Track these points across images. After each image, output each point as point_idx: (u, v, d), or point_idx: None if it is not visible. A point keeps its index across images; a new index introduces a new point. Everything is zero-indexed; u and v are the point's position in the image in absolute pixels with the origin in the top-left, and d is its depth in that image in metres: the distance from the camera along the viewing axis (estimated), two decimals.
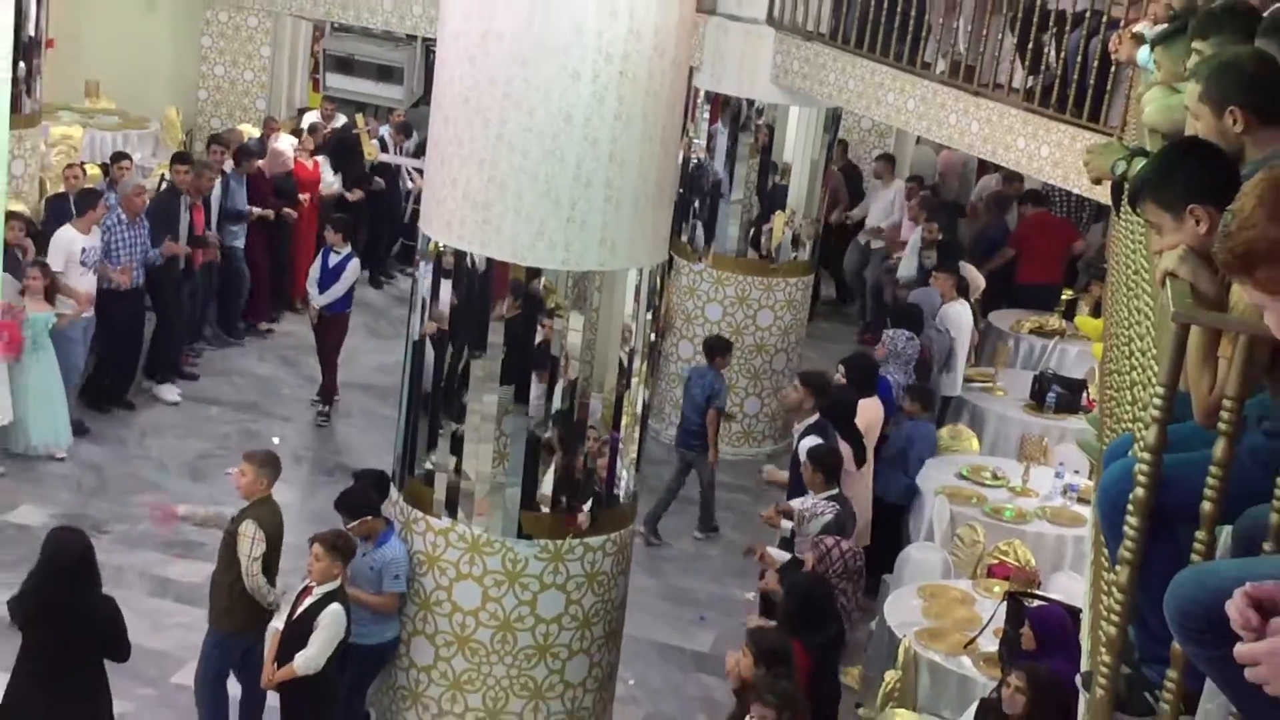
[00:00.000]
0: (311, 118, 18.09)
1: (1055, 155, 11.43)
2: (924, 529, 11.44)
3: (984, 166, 18.10)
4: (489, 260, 8.61)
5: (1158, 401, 3.79)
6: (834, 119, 14.66)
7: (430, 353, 8.95)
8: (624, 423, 9.05)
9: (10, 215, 11.35)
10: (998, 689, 8.38)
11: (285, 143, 16.35)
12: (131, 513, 11.75)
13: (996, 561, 10.42)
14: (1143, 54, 7.32)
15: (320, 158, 16.53)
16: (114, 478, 12.46)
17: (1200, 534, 3.73)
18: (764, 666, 8.05)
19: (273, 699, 8.90)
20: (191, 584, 9.84)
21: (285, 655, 8.60)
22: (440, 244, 8.77)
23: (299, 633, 8.59)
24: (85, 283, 12.67)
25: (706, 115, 14.14)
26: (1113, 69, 10.64)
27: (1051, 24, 11.56)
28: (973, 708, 8.66)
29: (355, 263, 13.94)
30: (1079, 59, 11.14)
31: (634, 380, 9.06)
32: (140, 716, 9.60)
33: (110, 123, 18.21)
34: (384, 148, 17.94)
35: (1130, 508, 3.86)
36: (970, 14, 12.17)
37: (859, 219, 18.10)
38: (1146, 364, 4.69)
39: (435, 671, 9.04)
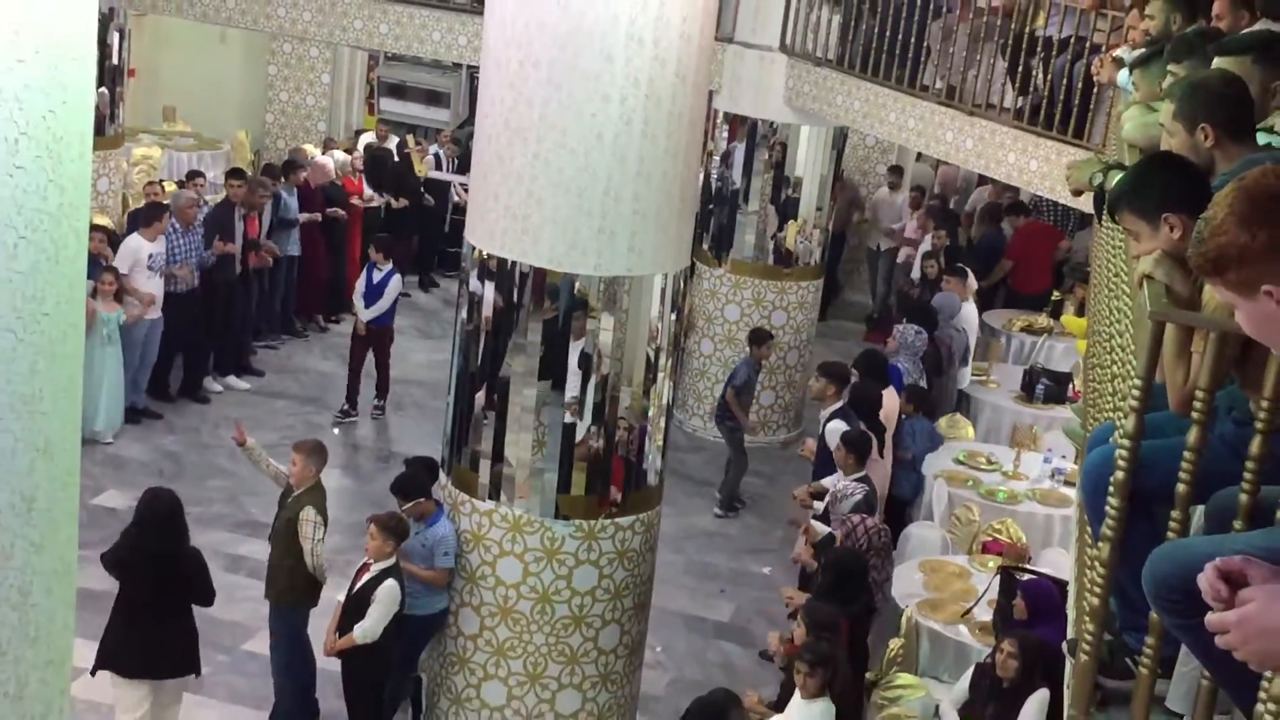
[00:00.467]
0: (367, 138, 18.15)
1: (1043, 169, 11.41)
2: (924, 510, 11.44)
3: (981, 179, 18.07)
4: (528, 267, 8.64)
5: (1136, 392, 3.78)
6: (841, 137, 14.67)
7: (475, 350, 8.98)
8: (651, 413, 9.06)
9: (93, 227, 11.46)
10: (992, 655, 8.37)
11: (327, 159, 16.45)
12: (207, 496, 11.79)
13: (991, 539, 10.41)
14: (1122, 76, 7.30)
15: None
16: (189, 464, 12.53)
17: (1175, 513, 3.72)
18: (814, 636, 8.05)
19: (333, 664, 8.93)
20: (260, 561, 9.85)
21: (345, 626, 8.66)
22: (484, 252, 8.79)
23: (357, 605, 8.64)
24: (151, 285, 12.85)
25: (725, 134, 14.15)
26: (1095, 90, 10.62)
27: (1039, 49, 11.54)
28: (969, 672, 8.65)
29: (397, 278, 13.83)
30: (1064, 81, 11.11)
31: (660, 375, 9.07)
32: (215, 680, 9.65)
33: (186, 144, 18.30)
34: (438, 165, 18.00)
35: (1111, 489, 3.86)
36: (965, 41, 12.14)
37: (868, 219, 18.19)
38: (1126, 359, 4.68)
39: (481, 639, 9.06)
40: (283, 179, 15.08)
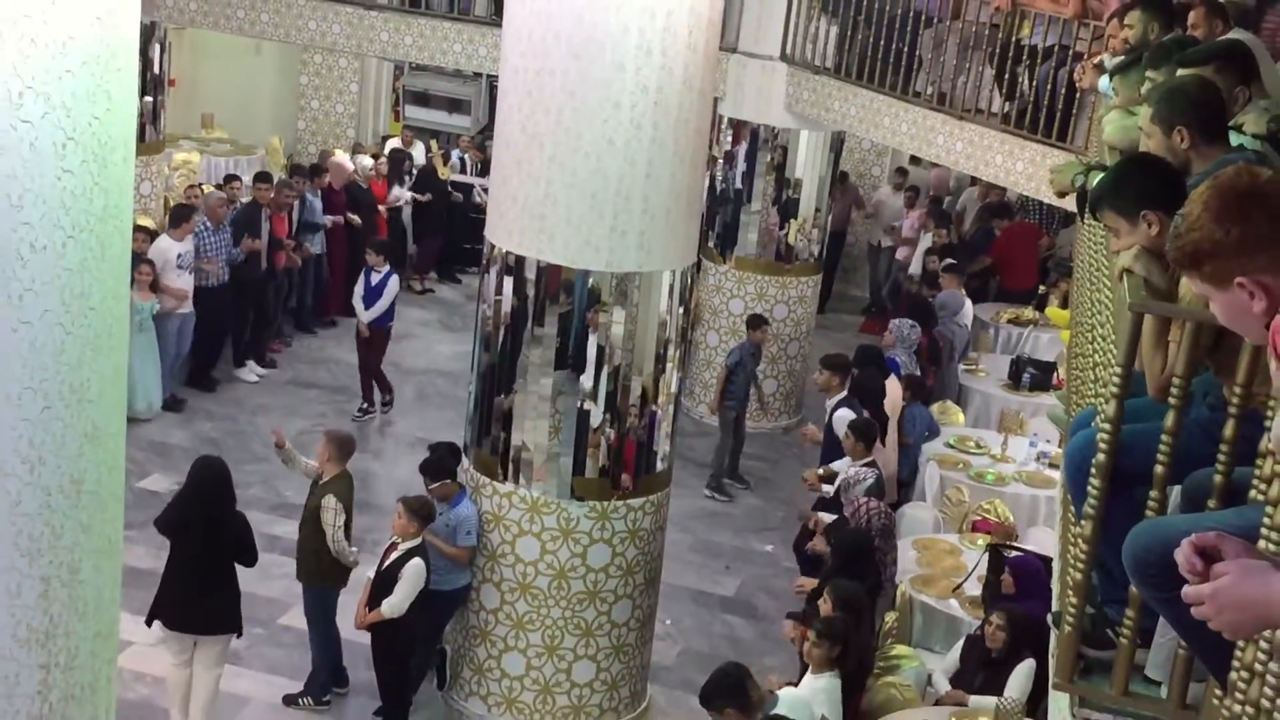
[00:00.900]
0: (393, 144, 18.15)
1: (1029, 170, 11.40)
2: (918, 491, 11.44)
3: (972, 180, 18.04)
4: (544, 263, 8.64)
5: (1116, 379, 3.78)
6: (838, 141, 14.65)
7: (495, 342, 8.99)
8: (660, 401, 9.06)
9: (135, 227, 11.52)
10: (981, 627, 8.38)
11: (343, 157, 16.49)
12: (243, 479, 11.71)
13: (980, 518, 10.40)
14: (1103, 82, 7.28)
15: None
16: (227, 449, 12.51)
17: (1153, 493, 3.72)
18: (840, 612, 8.02)
19: (363, 637, 8.95)
20: (294, 541, 9.87)
21: (374, 601, 8.67)
22: (503, 249, 8.79)
23: (386, 582, 8.65)
24: (181, 282, 12.89)
25: (729, 138, 14.13)
26: (1077, 96, 10.61)
27: (1025, 57, 11.51)
28: (960, 643, 8.66)
29: (395, 280, 13.55)
30: (1049, 87, 11.10)
31: (669, 365, 9.07)
32: (252, 651, 9.67)
33: (223, 150, 18.32)
34: (461, 169, 18.00)
35: (1093, 471, 3.85)
36: (954, 49, 12.12)
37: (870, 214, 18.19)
38: (1107, 348, 4.68)
39: (501, 613, 9.08)
40: (310, 181, 15.09)
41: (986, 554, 9.09)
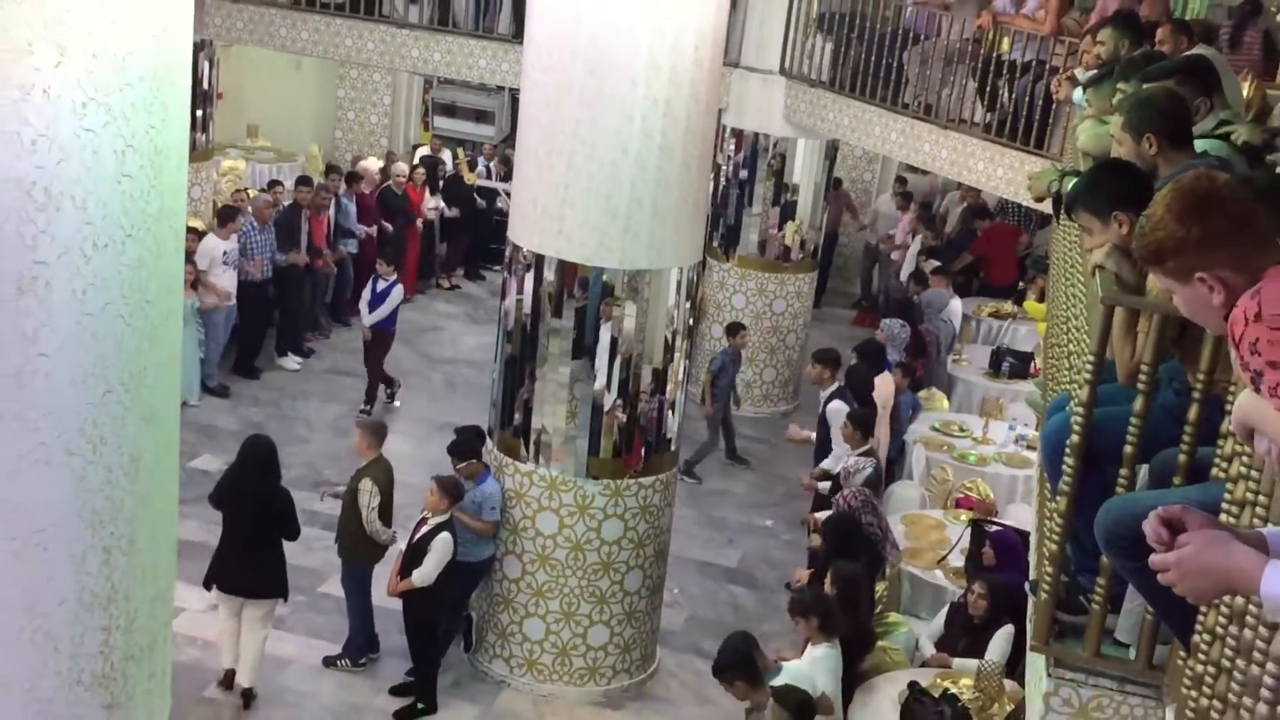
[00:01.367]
0: (423, 152, 18.14)
1: (1008, 175, 11.37)
2: (905, 470, 11.43)
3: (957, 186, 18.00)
4: (562, 261, 8.65)
5: (1089, 367, 3.78)
6: (833, 149, 14.62)
7: (517, 334, 8.99)
8: (668, 388, 9.06)
9: (185, 229, 11.52)
10: (964, 595, 8.38)
11: (373, 163, 16.48)
12: (285, 461, 11.59)
13: (963, 495, 10.39)
14: (1077, 94, 7.27)
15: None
16: (270, 432, 12.44)
17: (1123, 471, 3.73)
18: (836, 589, 8.02)
19: (396, 604, 8.97)
20: (333, 517, 9.88)
21: (405, 571, 8.68)
22: (525, 249, 8.80)
23: (416, 554, 8.66)
24: (226, 279, 12.87)
25: (732, 146, 14.11)
26: (1054, 106, 10.59)
27: (1004, 71, 11.48)
28: (944, 610, 8.65)
29: (399, 288, 13.13)
30: (1027, 99, 11.08)
31: (676, 355, 9.07)
32: (295, 617, 9.69)
33: (267, 157, 18.33)
34: (488, 175, 17.98)
35: (1068, 450, 3.86)
36: (939, 64, 12.09)
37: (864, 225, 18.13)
38: (1080, 338, 4.68)
39: (523, 582, 9.09)
40: (347, 187, 15.10)
41: (969, 529, 9.09)
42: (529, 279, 8.80)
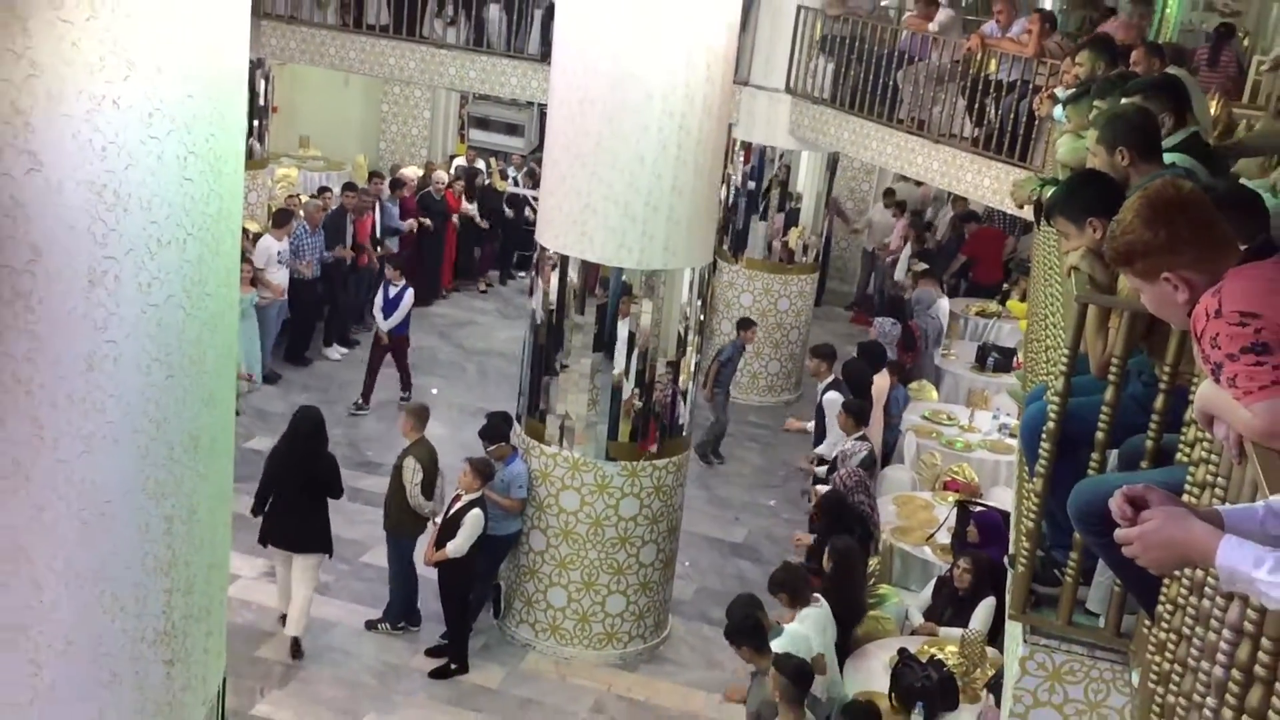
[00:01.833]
0: (459, 161, 18.15)
1: (994, 185, 11.33)
2: (897, 455, 11.41)
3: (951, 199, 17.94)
4: (585, 262, 8.65)
5: (1064, 360, 3.78)
6: (833, 161, 14.60)
7: (543, 328, 9.00)
8: (681, 379, 9.06)
9: (242, 230, 11.54)
10: (950, 570, 8.37)
11: (412, 170, 16.49)
12: (332, 441, 11.71)
13: (950, 479, 10.37)
14: (1057, 110, 7.25)
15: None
16: None
17: (1095, 455, 3.73)
18: (835, 564, 8.04)
19: (431, 573, 9.00)
20: (375, 492, 9.93)
21: (441, 543, 8.70)
22: (551, 250, 8.81)
23: (450, 527, 8.68)
24: (280, 275, 12.88)
25: (741, 157, 14.09)
26: (1036, 122, 10.54)
27: (991, 90, 11.45)
28: (932, 583, 8.65)
29: (410, 293, 12.75)
30: (1012, 115, 11.04)
31: (689, 348, 9.07)
32: (339, 585, 9.72)
33: (317, 165, 18.35)
34: (516, 184, 17.97)
35: (1044, 436, 3.86)
36: (932, 84, 12.05)
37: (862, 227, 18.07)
38: (1057, 334, 4.67)
39: (547, 554, 9.11)
40: (391, 192, 15.13)
41: (955, 509, 9.08)
42: (555, 278, 8.81)
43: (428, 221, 15.49)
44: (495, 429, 9.23)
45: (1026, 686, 3.88)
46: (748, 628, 7.04)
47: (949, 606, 8.21)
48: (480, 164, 18.02)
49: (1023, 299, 13.95)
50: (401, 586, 9.24)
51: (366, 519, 10.25)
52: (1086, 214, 3.89)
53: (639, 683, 9.07)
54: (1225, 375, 2.60)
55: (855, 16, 13.14)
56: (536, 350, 9.07)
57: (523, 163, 18.43)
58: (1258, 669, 2.19)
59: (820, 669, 7.13)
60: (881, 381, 11.40)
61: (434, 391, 13.50)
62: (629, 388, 8.84)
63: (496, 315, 16.27)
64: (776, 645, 6.96)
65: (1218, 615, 2.51)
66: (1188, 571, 2.98)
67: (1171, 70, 6.52)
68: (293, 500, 8.73)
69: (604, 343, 8.78)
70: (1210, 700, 2.45)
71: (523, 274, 16.22)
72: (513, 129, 20.46)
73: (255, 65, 14.51)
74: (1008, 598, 4.22)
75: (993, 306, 15.01)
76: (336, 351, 14.17)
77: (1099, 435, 3.69)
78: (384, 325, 12.70)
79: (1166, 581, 3.23)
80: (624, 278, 8.62)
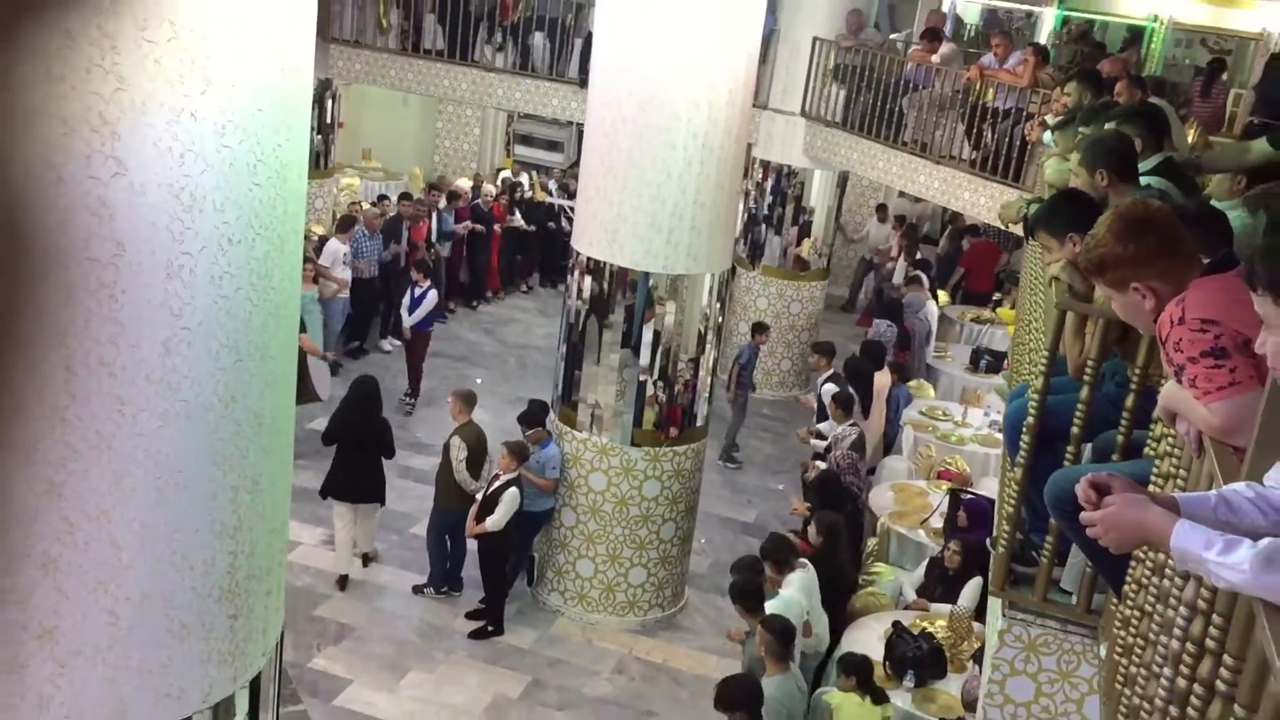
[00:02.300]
0: (504, 174, 18.17)
1: (989, 204, 11.26)
2: (895, 447, 11.38)
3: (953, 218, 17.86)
4: (615, 266, 8.66)
5: (1043, 361, 3.77)
6: (843, 178, 14.54)
7: (577, 326, 9.02)
8: (700, 374, 9.07)
9: (306, 233, 11.56)
10: (942, 551, 8.34)
11: (465, 182, 16.54)
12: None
13: (944, 469, 10.32)
14: (1047, 136, 7.22)
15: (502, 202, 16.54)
16: None
17: (1070, 448, 3.71)
18: (823, 536, 8.06)
19: (472, 545, 9.04)
20: (423, 470, 9.98)
21: (481, 518, 8.74)
22: (585, 256, 8.82)
23: (490, 504, 8.72)
24: (344, 274, 12.88)
25: (760, 174, 14.07)
26: (1028, 147, 10.48)
27: (989, 117, 11.38)
28: (925, 563, 8.62)
29: (433, 294, 12.67)
30: (1007, 140, 10.98)
31: (708, 346, 9.07)
32: (389, 553, 9.77)
33: (377, 175, 18.43)
34: (550, 194, 17.97)
35: (1024, 430, 3.85)
36: (934, 110, 12.00)
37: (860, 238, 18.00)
38: (1039, 338, 4.65)
39: (576, 530, 9.13)
40: (446, 203, 15.16)
41: (947, 496, 9.04)
42: (588, 280, 8.83)
43: (480, 226, 15.53)
44: (533, 415, 9.26)
45: (1005, 657, 3.87)
46: (745, 590, 7.13)
47: (940, 585, 8.18)
48: (523, 177, 18.03)
49: (1013, 307, 13.87)
50: (441, 554, 9.27)
51: (415, 494, 10.30)
52: (1067, 229, 3.87)
53: (657, 647, 9.09)
54: (1187, 377, 2.60)
55: (866, 48, 13.09)
56: (571, 346, 9.09)
57: (561, 176, 18.44)
58: (1209, 642, 2.19)
59: (806, 631, 7.17)
60: (882, 379, 11.40)
61: (478, 381, 13.52)
62: (653, 381, 8.84)
63: (536, 313, 16.30)
64: (770, 607, 7.03)
65: (1175, 594, 2.50)
66: (1151, 554, 2.97)
67: (1152, 100, 6.48)
68: (352, 457, 9.05)
69: (631, 340, 8.79)
70: (1167, 670, 2.44)
71: (561, 284, 16.20)
72: (553, 145, 20.48)
73: (324, 85, 14.60)
74: (990, 576, 4.21)
75: (986, 313, 14.94)
76: (389, 344, 14.21)
77: (1074, 430, 3.68)
78: (408, 321, 12.64)
79: (1132, 564, 3.22)
80: (650, 281, 8.63)
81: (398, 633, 8.80)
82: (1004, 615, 3.87)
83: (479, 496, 8.92)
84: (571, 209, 14.79)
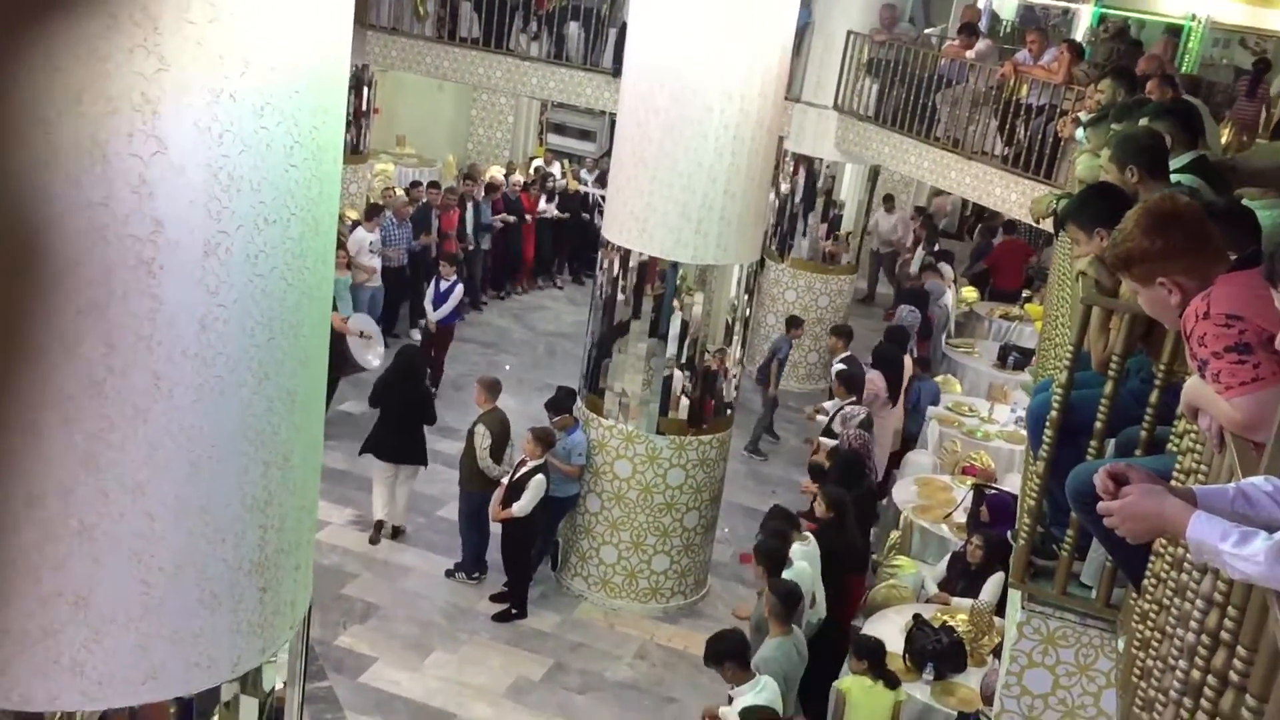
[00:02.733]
0: (537, 163, 18.20)
1: (1021, 200, 11.20)
2: (920, 442, 11.35)
3: (975, 206, 17.76)
4: (645, 255, 8.68)
5: (1068, 356, 3.77)
6: (875, 173, 14.50)
7: (606, 315, 9.05)
8: (727, 364, 9.08)
9: (341, 217, 11.58)
10: (964, 546, 8.33)
11: (495, 170, 16.62)
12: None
13: (969, 464, 10.30)
14: (1079, 132, 7.18)
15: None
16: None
17: (1093, 443, 3.71)
18: (830, 511, 8.15)
19: (495, 529, 9.09)
20: (450, 455, 10.03)
21: (507, 503, 8.79)
22: (615, 244, 8.85)
23: (516, 489, 8.77)
24: (371, 262, 12.85)
25: (792, 167, 14.04)
26: (1061, 144, 10.42)
27: (1022, 113, 11.32)
28: (947, 557, 8.61)
29: (460, 288, 12.55)
30: (1040, 137, 10.91)
31: (734, 337, 9.08)
32: (416, 535, 9.85)
33: (411, 162, 18.50)
34: (584, 183, 17.98)
35: (1047, 424, 3.85)
36: (967, 105, 11.94)
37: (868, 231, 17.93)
38: (1065, 333, 4.65)
39: (601, 516, 9.17)
40: (484, 194, 15.08)
41: (971, 491, 9.02)
42: (617, 269, 8.85)
43: (512, 218, 15.55)
44: (560, 402, 9.30)
45: (1023, 649, 3.88)
46: (768, 551, 7.39)
47: (962, 579, 8.17)
48: (554, 167, 18.05)
49: (1042, 303, 13.81)
50: (471, 538, 9.34)
51: (442, 478, 10.36)
52: (1095, 224, 3.87)
53: (678, 634, 9.12)
54: (1210, 371, 2.60)
55: (900, 42, 13.03)
56: (599, 334, 9.12)
57: (594, 166, 18.44)
58: (1223, 634, 2.20)
59: (809, 602, 7.47)
60: (906, 364, 11.48)
61: (506, 368, 13.59)
62: (680, 371, 8.86)
63: (566, 301, 16.33)
64: (786, 574, 7.26)
65: (1193, 588, 2.51)
66: (1170, 549, 2.98)
67: (1186, 98, 6.44)
68: (395, 422, 9.46)
69: (659, 329, 8.81)
70: (1182, 663, 2.45)
71: (590, 278, 16.19)
72: (586, 135, 20.48)
73: (360, 71, 14.67)
74: (1010, 568, 4.21)
75: (1015, 310, 14.90)
76: (418, 332, 14.25)
77: (1098, 425, 3.67)
78: (433, 316, 12.47)
79: (1152, 558, 3.22)
80: (680, 271, 8.64)
81: (422, 613, 8.87)
82: (1023, 608, 3.87)
83: (504, 481, 8.97)
84: (602, 196, 14.82)
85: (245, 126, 3.35)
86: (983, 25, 15.01)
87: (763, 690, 6.38)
